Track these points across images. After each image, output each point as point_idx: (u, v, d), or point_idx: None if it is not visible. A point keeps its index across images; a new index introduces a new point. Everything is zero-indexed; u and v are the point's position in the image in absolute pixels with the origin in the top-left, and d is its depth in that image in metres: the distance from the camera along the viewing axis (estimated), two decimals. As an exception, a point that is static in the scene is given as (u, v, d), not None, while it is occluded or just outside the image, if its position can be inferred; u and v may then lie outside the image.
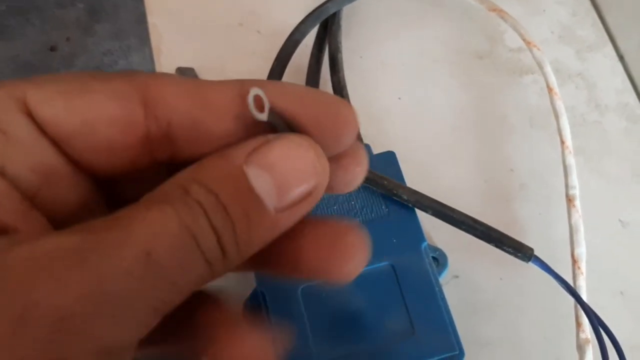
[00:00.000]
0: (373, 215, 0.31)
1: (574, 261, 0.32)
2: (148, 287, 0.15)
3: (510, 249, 0.30)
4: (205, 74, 0.39)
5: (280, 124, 0.17)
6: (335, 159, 0.19)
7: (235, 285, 0.34)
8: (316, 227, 0.19)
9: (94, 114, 0.17)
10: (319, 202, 0.30)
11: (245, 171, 0.16)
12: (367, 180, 0.30)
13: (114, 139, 0.17)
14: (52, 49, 0.40)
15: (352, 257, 0.19)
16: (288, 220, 0.17)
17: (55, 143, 0.17)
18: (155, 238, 0.15)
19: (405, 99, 0.38)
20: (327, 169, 0.17)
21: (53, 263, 0.15)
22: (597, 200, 0.35)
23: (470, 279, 0.34)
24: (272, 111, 0.17)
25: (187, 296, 0.17)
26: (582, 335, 0.31)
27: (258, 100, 0.17)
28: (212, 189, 0.16)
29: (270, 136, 0.17)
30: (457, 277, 0.34)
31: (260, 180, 0.16)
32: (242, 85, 0.18)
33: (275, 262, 0.19)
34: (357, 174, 0.20)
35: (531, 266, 0.33)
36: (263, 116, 0.17)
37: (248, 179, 0.16)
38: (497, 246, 0.30)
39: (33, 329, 0.14)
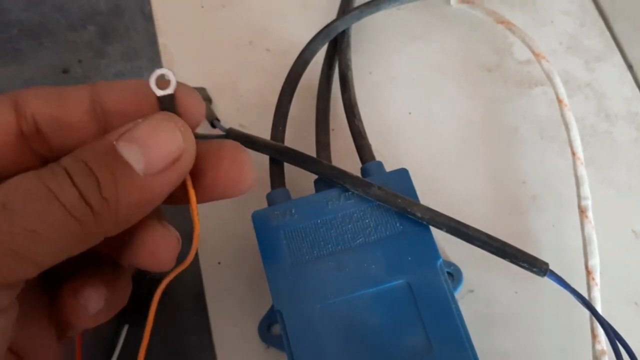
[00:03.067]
0: (388, 233, 0.31)
1: (588, 272, 0.33)
2: (5, 232, 0.18)
3: (525, 264, 0.30)
4: (216, 93, 0.40)
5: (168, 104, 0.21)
6: (213, 163, 0.23)
7: (251, 304, 0.34)
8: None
9: None
10: (335, 221, 0.30)
11: (115, 145, 0.19)
12: (381, 198, 0.31)
13: None
14: (65, 71, 0.41)
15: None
16: (162, 183, 0.20)
17: None
18: (9, 192, 0.18)
19: (415, 113, 0.39)
20: (192, 140, 0.21)
21: None
22: (609, 210, 0.35)
23: (485, 293, 0.34)
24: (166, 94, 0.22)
25: (69, 254, 0.19)
26: (598, 347, 0.31)
27: (160, 80, 0.21)
28: (81, 158, 0.19)
29: (140, 120, 0.20)
30: (472, 291, 0.34)
31: (128, 150, 0.19)
32: (93, 87, 0.22)
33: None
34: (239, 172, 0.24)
35: (545, 281, 0.34)
36: (168, 90, 0.21)
37: (117, 150, 0.19)
38: (512, 261, 0.30)
39: None
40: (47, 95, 0.22)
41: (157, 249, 0.24)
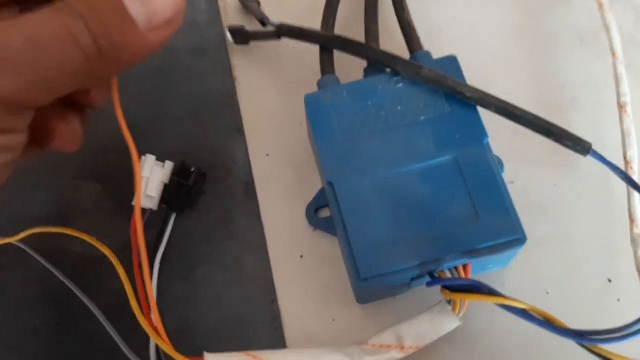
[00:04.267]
0: (436, 113, 0.32)
1: (627, 162, 0.34)
2: (38, 66, 0.21)
3: (569, 143, 0.31)
4: (267, 1, 0.41)
5: None
6: None
7: (298, 192, 0.36)
8: None
9: None
10: (385, 103, 0.32)
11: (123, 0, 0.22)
12: (431, 79, 0.32)
13: None
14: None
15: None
16: (155, 39, 0.23)
17: None
18: (38, 27, 0.21)
19: (459, 18, 0.40)
20: (184, 5, 0.23)
21: None
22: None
23: (525, 184, 0.35)
24: None
25: (79, 87, 0.23)
26: (636, 231, 0.32)
27: None
28: (95, 7, 0.22)
29: None
30: (512, 182, 0.35)
31: (134, 6, 0.22)
32: None
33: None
34: None
35: (583, 171, 0.35)
36: None
37: (125, 5, 0.22)
38: (556, 140, 0.31)
39: None
40: None
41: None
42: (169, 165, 0.35)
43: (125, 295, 0.31)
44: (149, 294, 0.29)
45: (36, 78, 0.22)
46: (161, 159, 0.35)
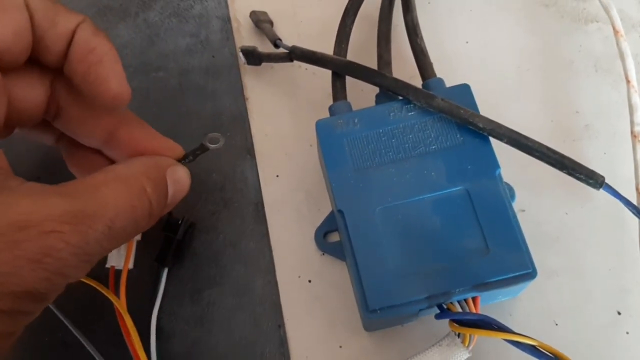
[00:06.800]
0: (448, 143, 0.32)
1: (639, 193, 0.33)
2: (103, 247, 0.25)
3: (582, 176, 0.31)
4: (278, 18, 0.41)
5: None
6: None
7: (307, 215, 0.36)
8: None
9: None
10: (396, 131, 0.32)
11: (167, 179, 0.29)
12: (444, 109, 0.32)
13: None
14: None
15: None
16: (171, 203, 0.30)
17: None
18: (117, 216, 0.25)
19: (472, 43, 0.39)
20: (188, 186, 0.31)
21: (46, 224, 0.23)
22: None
23: (536, 213, 0.35)
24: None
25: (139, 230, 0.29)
26: (648, 265, 0.32)
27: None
28: (153, 179, 0.28)
29: (173, 161, 0.30)
30: (523, 210, 0.35)
31: (171, 187, 0.29)
32: None
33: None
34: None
35: (594, 203, 0.35)
36: (217, 145, 0.30)
37: (167, 184, 0.29)
38: (569, 173, 0.31)
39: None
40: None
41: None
42: None
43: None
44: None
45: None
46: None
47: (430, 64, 0.35)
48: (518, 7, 0.40)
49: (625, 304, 0.33)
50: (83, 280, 0.32)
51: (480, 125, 0.31)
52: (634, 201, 0.33)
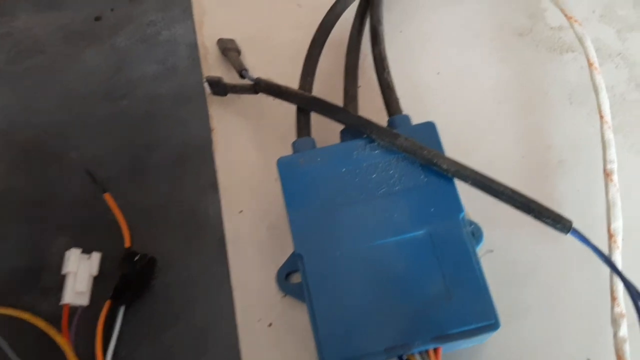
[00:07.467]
0: (411, 184, 0.31)
1: (610, 235, 0.32)
2: None
3: (549, 220, 0.30)
4: (246, 45, 0.40)
5: None
6: None
7: (270, 254, 0.35)
8: None
9: None
10: (359, 171, 0.31)
11: None
12: (407, 149, 0.31)
13: None
14: (97, 19, 0.41)
15: None
16: None
17: None
18: None
19: (444, 74, 0.38)
20: None
21: None
22: (635, 177, 0.35)
23: (505, 253, 0.34)
24: None
25: None
26: (617, 309, 0.31)
27: None
28: None
29: None
30: (491, 251, 0.34)
31: None
32: None
33: None
34: None
35: (565, 243, 0.34)
36: None
37: None
38: (536, 217, 0.30)
39: None
40: None
41: None
42: (96, 256, 0.34)
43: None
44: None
45: None
46: (135, 210, 0.34)
47: (396, 100, 0.34)
48: (492, 37, 0.39)
49: (595, 350, 0.32)
50: (32, 322, 0.31)
51: (444, 167, 0.30)
52: (605, 244, 0.32)
